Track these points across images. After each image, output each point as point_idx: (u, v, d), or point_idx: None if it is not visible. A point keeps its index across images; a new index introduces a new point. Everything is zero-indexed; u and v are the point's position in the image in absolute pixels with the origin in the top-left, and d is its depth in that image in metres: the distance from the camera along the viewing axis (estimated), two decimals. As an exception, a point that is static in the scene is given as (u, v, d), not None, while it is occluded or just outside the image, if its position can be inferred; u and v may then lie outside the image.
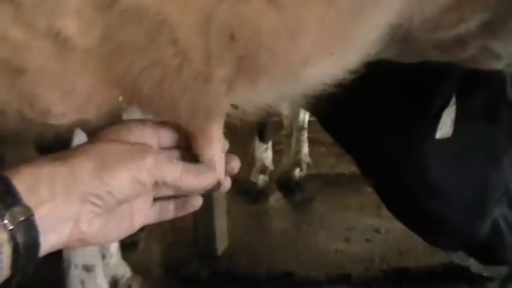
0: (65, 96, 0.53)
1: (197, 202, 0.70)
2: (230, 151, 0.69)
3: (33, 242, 0.52)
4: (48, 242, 0.54)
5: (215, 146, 0.65)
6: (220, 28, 0.49)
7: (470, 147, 1.19)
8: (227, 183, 0.70)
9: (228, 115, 0.61)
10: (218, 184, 0.66)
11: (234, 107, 0.57)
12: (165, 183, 0.61)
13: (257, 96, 0.56)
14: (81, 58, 0.50)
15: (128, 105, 0.58)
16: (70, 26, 0.47)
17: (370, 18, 0.52)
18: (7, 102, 0.52)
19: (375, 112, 1.19)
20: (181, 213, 0.70)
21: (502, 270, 1.58)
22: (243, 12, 0.48)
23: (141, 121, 0.63)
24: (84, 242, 0.59)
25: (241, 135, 2.56)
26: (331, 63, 0.55)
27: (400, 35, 0.61)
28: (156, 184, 0.60)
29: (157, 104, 0.56)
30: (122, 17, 0.48)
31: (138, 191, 0.59)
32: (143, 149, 0.59)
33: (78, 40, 0.48)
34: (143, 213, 0.64)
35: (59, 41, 0.48)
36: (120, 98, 0.55)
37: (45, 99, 0.53)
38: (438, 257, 1.81)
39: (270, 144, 2.40)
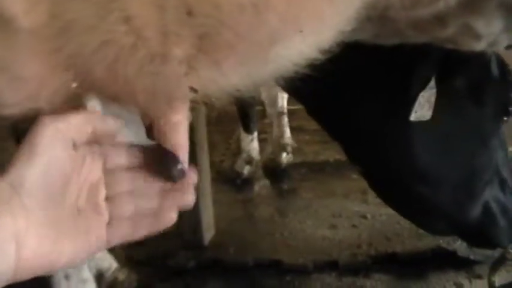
0: (13, 83, 0.49)
1: (173, 215, 0.66)
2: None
3: None
4: None
5: (181, 134, 0.61)
6: (177, 3, 0.45)
7: (456, 129, 1.18)
8: None
9: (193, 101, 0.57)
10: (182, 172, 0.62)
11: (194, 90, 0.53)
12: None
13: (222, 79, 0.52)
14: (27, 40, 0.46)
15: (83, 91, 0.53)
16: (13, 5, 0.44)
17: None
18: None
19: (356, 97, 1.18)
20: (156, 228, 0.65)
21: (489, 254, 1.58)
22: None
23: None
24: (37, 266, 0.53)
25: (224, 124, 2.56)
26: (301, 42, 0.51)
27: (377, 13, 0.58)
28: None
29: (112, 88, 0.52)
30: None
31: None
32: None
33: (23, 20, 0.44)
34: (100, 233, 0.59)
35: (2, 22, 0.44)
36: (74, 84, 0.51)
37: None
38: (425, 242, 1.82)
39: (255, 134, 2.39)
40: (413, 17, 0.72)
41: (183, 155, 0.61)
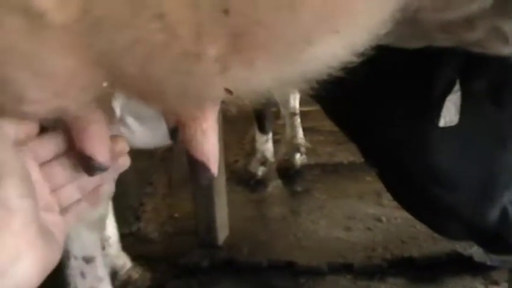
0: (41, 79, 0.48)
1: (111, 185, 0.65)
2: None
3: None
4: None
5: (211, 139, 0.58)
6: (212, 0, 0.43)
7: (475, 132, 1.16)
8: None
9: (223, 103, 0.54)
10: (211, 179, 0.60)
11: (228, 91, 0.50)
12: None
13: (255, 79, 0.50)
14: (57, 35, 0.44)
15: (114, 90, 0.52)
16: None
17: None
18: None
19: (378, 98, 1.16)
20: (97, 201, 0.65)
21: (506, 259, 1.57)
22: None
23: None
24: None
25: (238, 124, 2.56)
26: (336, 43, 0.49)
27: (407, 16, 0.57)
28: None
29: (144, 87, 0.50)
30: None
31: None
32: None
33: (53, 15, 0.43)
34: (59, 227, 0.58)
35: (32, 16, 0.43)
36: (105, 84, 0.49)
37: (19, 83, 0.47)
38: (441, 246, 1.81)
39: (270, 135, 2.39)
40: (443, 19, 0.71)
41: (214, 164, 0.60)
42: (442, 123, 1.11)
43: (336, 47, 0.50)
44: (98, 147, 0.57)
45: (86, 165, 0.58)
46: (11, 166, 0.51)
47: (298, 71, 0.51)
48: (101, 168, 0.58)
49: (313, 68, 0.51)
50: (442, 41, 0.82)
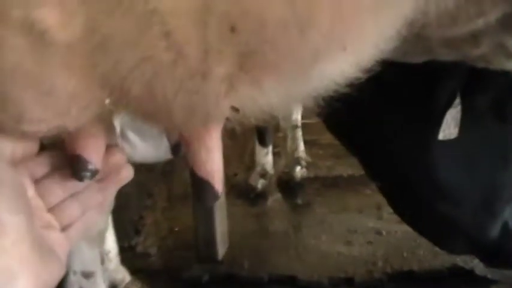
0: (42, 98, 0.46)
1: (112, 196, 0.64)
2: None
3: None
4: None
5: (215, 156, 0.57)
6: (220, 19, 0.42)
7: (478, 147, 1.16)
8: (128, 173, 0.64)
9: (227, 119, 0.53)
10: (216, 199, 0.60)
11: (235, 109, 0.49)
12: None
13: (262, 98, 0.49)
14: (60, 54, 0.44)
15: (117, 108, 0.50)
16: (47, 17, 0.41)
17: (389, 9, 0.47)
18: None
19: (379, 112, 1.16)
20: (102, 213, 0.64)
21: (507, 274, 1.56)
22: None
23: None
24: None
25: (238, 137, 2.55)
26: (343, 60, 0.48)
27: (412, 32, 0.57)
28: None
29: (149, 106, 0.49)
30: (106, 6, 0.41)
31: None
32: None
33: (57, 33, 0.42)
34: (60, 243, 0.57)
35: (35, 34, 0.42)
36: (107, 101, 0.48)
37: (20, 102, 0.46)
38: (442, 260, 1.80)
39: (270, 148, 2.38)
40: (448, 35, 0.71)
41: (218, 182, 0.59)
42: (441, 136, 1.11)
43: (343, 63, 0.49)
44: (89, 150, 0.56)
45: (75, 166, 0.56)
46: (1, 180, 0.49)
47: (306, 88, 0.51)
48: (89, 170, 0.56)
49: (320, 85, 0.51)
50: (445, 55, 0.82)
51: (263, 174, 2.34)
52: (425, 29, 0.64)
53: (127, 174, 0.63)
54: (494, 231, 1.28)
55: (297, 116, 2.39)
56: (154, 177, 2.34)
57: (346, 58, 0.49)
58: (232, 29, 0.43)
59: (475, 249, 1.42)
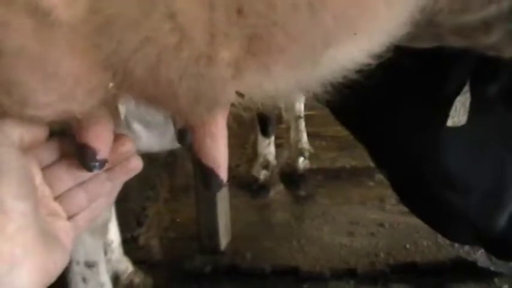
0: (47, 81, 0.46)
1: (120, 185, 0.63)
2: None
3: None
4: None
5: (220, 143, 0.56)
6: (226, 0, 0.41)
7: (487, 136, 1.16)
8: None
9: (232, 105, 0.52)
10: (221, 186, 0.59)
11: (240, 95, 0.48)
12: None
13: (269, 83, 0.47)
14: (65, 36, 0.43)
15: (121, 92, 0.49)
16: None
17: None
18: None
19: (388, 99, 1.15)
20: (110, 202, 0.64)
21: (511, 265, 1.56)
22: None
23: None
24: None
25: (241, 127, 2.54)
26: (354, 46, 0.47)
27: (423, 18, 0.56)
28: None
29: (153, 91, 0.48)
30: None
31: None
32: None
33: (61, 14, 0.41)
34: (66, 232, 0.56)
35: (39, 14, 0.41)
36: (111, 84, 0.47)
37: (25, 86, 0.46)
38: (444, 252, 1.80)
39: (272, 138, 2.37)
40: (460, 22, 0.70)
41: (223, 170, 0.58)
42: (450, 123, 1.10)
43: (354, 49, 0.48)
44: (97, 140, 0.55)
45: (83, 156, 0.55)
46: (8, 165, 0.49)
47: (315, 74, 0.50)
48: (98, 160, 0.56)
49: (330, 71, 0.50)
50: (455, 43, 0.81)
51: (266, 166, 2.34)
52: (436, 15, 0.63)
53: (136, 164, 0.62)
54: (502, 221, 1.27)
55: (300, 106, 2.37)
56: (157, 169, 2.33)
57: (356, 43, 0.47)
58: (239, 11, 0.41)
59: (481, 239, 1.41)
